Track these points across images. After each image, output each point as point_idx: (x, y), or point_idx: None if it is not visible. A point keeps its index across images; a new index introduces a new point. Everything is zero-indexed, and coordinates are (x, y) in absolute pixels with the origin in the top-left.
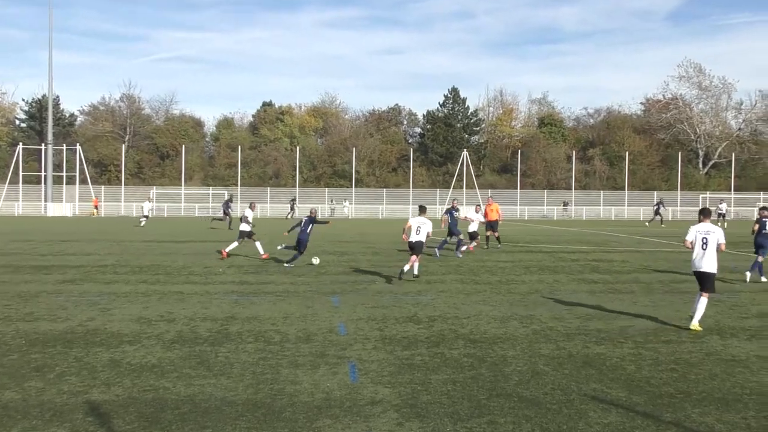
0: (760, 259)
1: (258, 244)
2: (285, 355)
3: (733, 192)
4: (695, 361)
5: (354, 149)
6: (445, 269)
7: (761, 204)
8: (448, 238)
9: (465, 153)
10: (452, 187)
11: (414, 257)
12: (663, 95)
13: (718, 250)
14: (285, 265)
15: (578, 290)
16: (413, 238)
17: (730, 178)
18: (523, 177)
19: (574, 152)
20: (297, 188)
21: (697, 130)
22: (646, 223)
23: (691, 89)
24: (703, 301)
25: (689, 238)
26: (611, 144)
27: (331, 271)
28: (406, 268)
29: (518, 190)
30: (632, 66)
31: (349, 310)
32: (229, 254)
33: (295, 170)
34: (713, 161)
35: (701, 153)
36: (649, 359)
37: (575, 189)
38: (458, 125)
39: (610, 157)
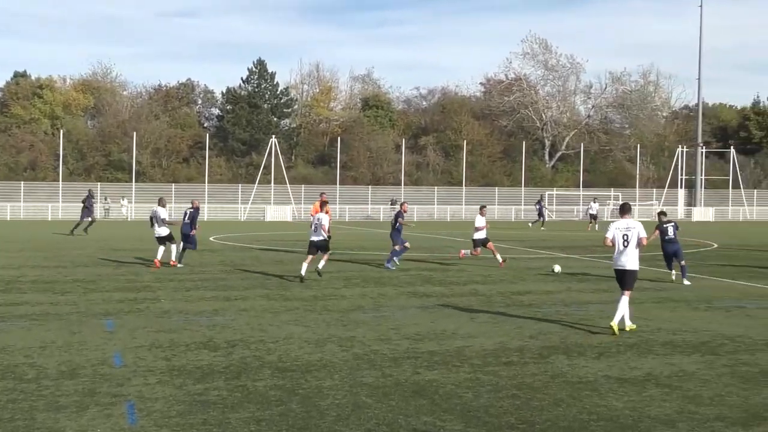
0: (683, 263)
1: (174, 247)
2: (42, 395)
3: (582, 188)
4: (539, 385)
5: (135, 134)
6: (249, 282)
7: (658, 209)
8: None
9: (273, 140)
10: (257, 181)
11: (311, 257)
12: (505, 75)
13: (640, 245)
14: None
15: (408, 305)
16: (314, 236)
17: (579, 172)
18: (344, 170)
19: (403, 141)
20: (60, 183)
21: (543, 117)
22: (530, 224)
23: (537, 69)
24: (624, 301)
25: (609, 235)
26: (447, 131)
27: (104, 287)
28: (304, 269)
29: (338, 185)
30: (472, 39)
31: (127, 336)
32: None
33: (58, 160)
34: (561, 152)
35: (547, 143)
36: (489, 385)
37: (405, 184)
38: (265, 106)
39: (445, 147)
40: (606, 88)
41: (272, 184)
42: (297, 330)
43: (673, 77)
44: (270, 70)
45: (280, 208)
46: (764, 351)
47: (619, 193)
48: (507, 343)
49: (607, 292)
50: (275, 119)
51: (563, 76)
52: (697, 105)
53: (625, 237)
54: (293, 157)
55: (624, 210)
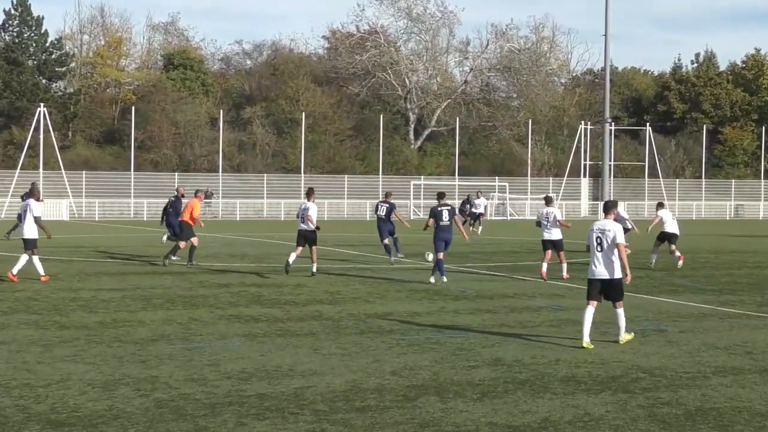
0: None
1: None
2: None
3: (457, 177)
4: None
5: None
6: (8, 305)
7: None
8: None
9: (42, 110)
10: (19, 166)
11: (300, 249)
12: (356, 26)
13: (618, 250)
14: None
15: (229, 333)
16: (302, 225)
17: (454, 155)
18: (141, 151)
19: (221, 112)
20: None
21: (407, 82)
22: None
23: (398, 19)
24: (620, 314)
25: (587, 240)
26: (279, 101)
27: None
28: (292, 259)
29: (132, 172)
30: None
31: None
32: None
33: None
34: (430, 129)
35: (413, 117)
36: None
37: (224, 171)
38: (30, 63)
39: (278, 122)
40: (488, 45)
41: (41, 169)
42: (77, 369)
43: (573, 33)
44: (35, 14)
45: (54, 203)
46: (688, 387)
47: (506, 183)
48: (361, 381)
49: (491, 312)
50: (44, 81)
51: (432, 29)
52: (603, 70)
53: (599, 240)
54: (70, 134)
55: (607, 209)
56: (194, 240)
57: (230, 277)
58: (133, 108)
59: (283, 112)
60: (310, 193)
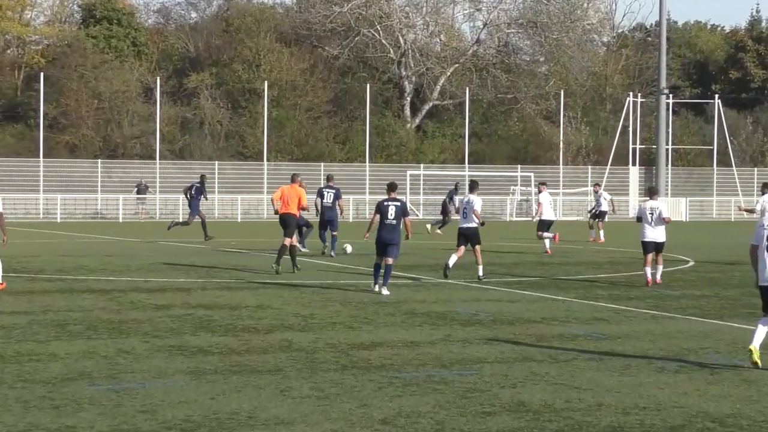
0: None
1: None
2: None
3: (467, 165)
4: None
5: None
6: None
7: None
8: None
9: None
10: None
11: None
12: None
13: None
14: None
15: (170, 370)
16: (464, 223)
17: (463, 137)
18: (53, 132)
19: (158, 81)
20: None
21: (402, 42)
22: (429, 227)
23: None
24: None
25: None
26: (235, 66)
27: None
28: (452, 261)
29: (41, 159)
30: None
31: None
32: None
33: None
34: (431, 104)
35: (409, 87)
36: None
37: (162, 158)
38: None
39: (232, 94)
40: None
41: None
42: None
43: None
44: None
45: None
46: None
47: (530, 173)
48: None
49: (512, 342)
50: None
51: None
52: (658, 25)
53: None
54: None
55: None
56: (292, 240)
57: (171, 296)
58: (41, 75)
59: (240, 80)
60: (474, 186)
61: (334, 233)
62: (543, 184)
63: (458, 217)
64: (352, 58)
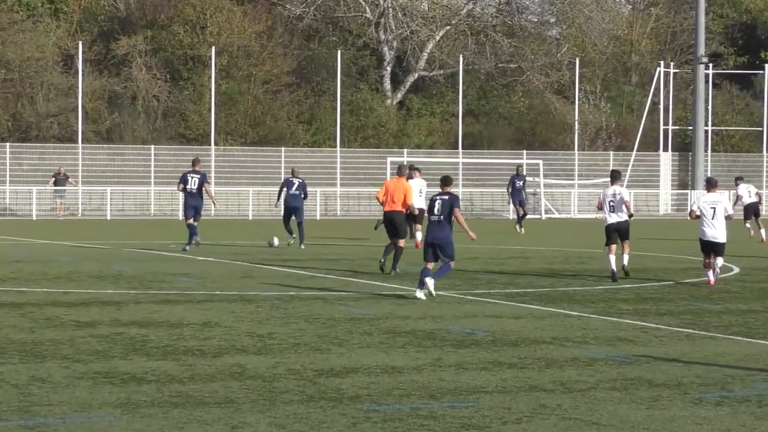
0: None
1: None
2: None
3: (461, 150)
4: None
5: None
6: None
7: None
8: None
9: None
10: None
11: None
12: None
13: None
14: None
15: (95, 402)
16: (614, 218)
17: (456, 116)
18: None
19: (80, 46)
20: None
21: (381, 0)
22: (518, 228)
23: None
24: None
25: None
26: (175, 28)
27: None
28: (614, 260)
29: None
30: None
31: None
32: None
33: None
34: (417, 75)
35: (390, 56)
36: None
37: (87, 142)
38: None
39: (172, 63)
40: None
41: None
42: None
43: None
44: None
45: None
46: None
47: (539, 160)
48: None
49: (515, 367)
50: None
51: None
52: None
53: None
54: None
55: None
56: (401, 242)
57: (97, 311)
58: None
59: (181, 46)
60: (616, 176)
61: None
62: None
63: (604, 214)
64: (319, 18)
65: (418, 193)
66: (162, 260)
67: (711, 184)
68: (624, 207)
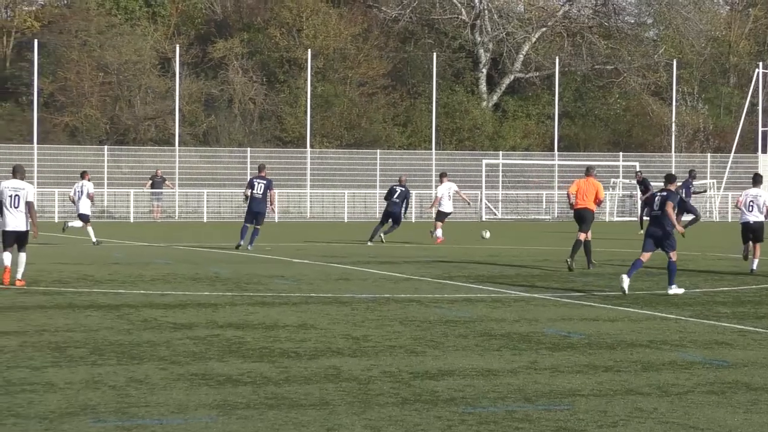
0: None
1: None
2: None
3: (557, 153)
4: None
5: None
6: None
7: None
8: None
9: None
10: None
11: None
12: None
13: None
14: None
15: (192, 403)
16: (750, 217)
17: (552, 117)
18: (49, 111)
19: (178, 50)
20: None
21: (476, 1)
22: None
23: None
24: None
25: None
26: (271, 31)
27: None
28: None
29: (35, 145)
30: None
31: None
32: None
33: None
34: (513, 77)
35: (485, 57)
36: None
37: (184, 144)
38: None
39: (268, 66)
40: None
41: None
42: None
43: None
44: None
45: None
46: None
47: (636, 162)
48: None
49: (611, 370)
50: None
51: None
52: None
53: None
54: None
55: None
56: (587, 235)
57: (193, 313)
58: (35, 42)
59: (277, 49)
60: (759, 180)
61: (258, 227)
62: (444, 174)
63: (743, 212)
64: (414, 20)
65: (447, 197)
66: (258, 262)
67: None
68: (761, 211)
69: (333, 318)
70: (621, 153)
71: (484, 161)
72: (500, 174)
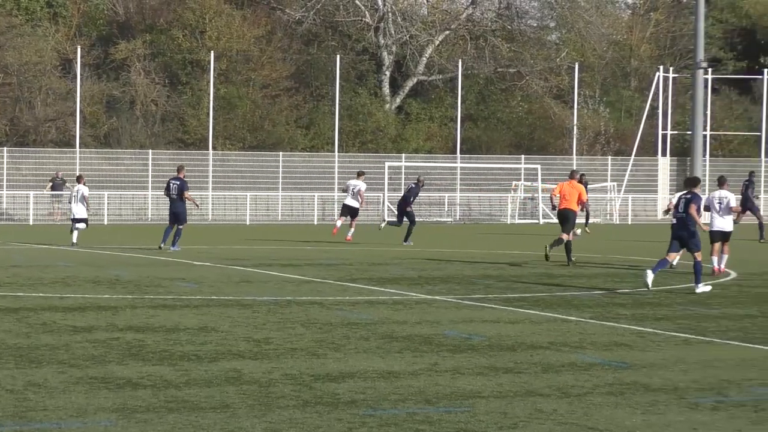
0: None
1: None
2: None
3: (459, 155)
4: None
5: None
6: None
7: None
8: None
9: None
10: None
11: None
12: None
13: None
14: None
15: (91, 407)
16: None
17: (454, 121)
18: None
19: (79, 51)
20: None
21: (380, 4)
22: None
23: None
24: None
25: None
26: (174, 32)
27: None
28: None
29: None
30: None
31: None
32: None
33: None
34: (416, 80)
35: (389, 60)
36: None
37: (85, 146)
38: None
39: (171, 68)
40: None
41: None
42: None
43: None
44: None
45: None
46: None
47: (537, 165)
48: None
49: (512, 372)
50: None
51: None
52: None
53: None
54: None
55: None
56: (569, 236)
57: (93, 316)
58: None
59: (180, 50)
60: (723, 181)
61: (180, 227)
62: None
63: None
64: (318, 23)
65: (352, 193)
66: (159, 265)
67: (721, 182)
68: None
69: (234, 321)
70: (523, 155)
71: (387, 164)
72: (403, 176)
